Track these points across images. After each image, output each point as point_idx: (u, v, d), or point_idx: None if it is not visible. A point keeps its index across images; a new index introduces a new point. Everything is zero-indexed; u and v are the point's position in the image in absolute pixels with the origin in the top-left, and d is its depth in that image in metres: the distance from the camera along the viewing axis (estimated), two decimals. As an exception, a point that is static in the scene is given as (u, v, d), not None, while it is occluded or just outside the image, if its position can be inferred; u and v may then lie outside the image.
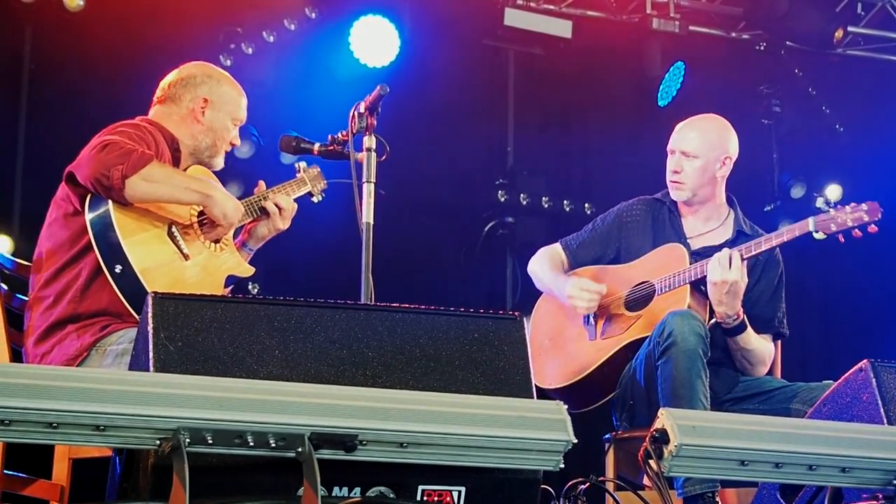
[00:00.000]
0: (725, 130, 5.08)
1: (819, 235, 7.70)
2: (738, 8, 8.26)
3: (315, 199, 4.63)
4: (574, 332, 5.08)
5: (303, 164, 4.63)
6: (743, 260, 4.74)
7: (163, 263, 4.11)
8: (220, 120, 4.43)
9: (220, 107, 4.43)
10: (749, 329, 4.85)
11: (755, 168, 8.19)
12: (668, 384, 4.55)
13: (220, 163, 4.46)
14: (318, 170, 4.65)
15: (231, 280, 4.35)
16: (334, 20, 7.64)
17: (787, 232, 4.81)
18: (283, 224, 4.47)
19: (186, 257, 4.18)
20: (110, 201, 4.03)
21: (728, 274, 4.70)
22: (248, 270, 4.41)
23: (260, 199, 4.44)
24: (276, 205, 4.44)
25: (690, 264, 4.87)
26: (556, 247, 5.26)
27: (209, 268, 4.26)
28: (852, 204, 4.78)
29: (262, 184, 4.52)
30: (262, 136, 7.35)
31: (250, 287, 7.33)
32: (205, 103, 4.40)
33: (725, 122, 5.11)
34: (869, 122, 8.26)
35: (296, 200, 4.54)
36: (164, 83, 4.46)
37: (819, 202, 4.83)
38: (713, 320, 4.80)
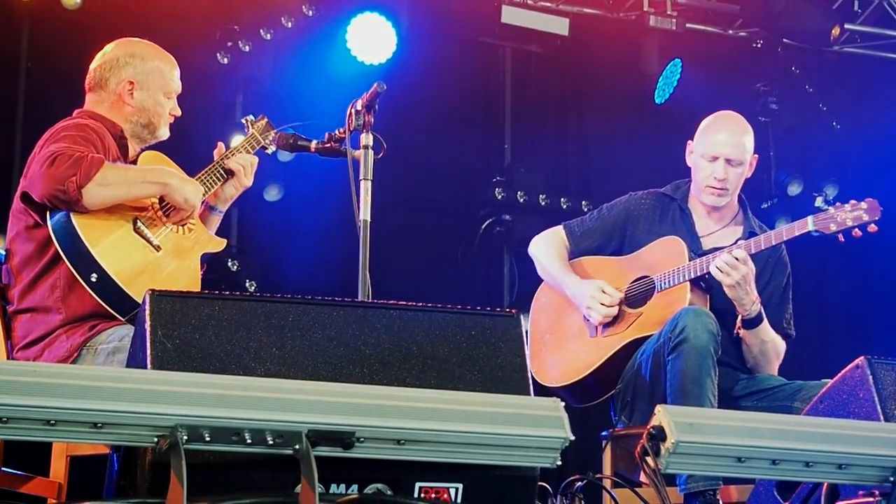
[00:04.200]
0: (750, 129, 5.05)
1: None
2: (735, 5, 8.26)
3: (268, 151, 4.64)
4: (575, 328, 5.06)
5: (250, 118, 4.64)
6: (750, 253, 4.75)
7: (136, 261, 4.08)
8: (151, 97, 4.38)
9: (148, 86, 4.38)
10: (765, 318, 4.84)
11: (752, 165, 8.21)
12: (677, 380, 4.52)
13: (164, 133, 4.44)
14: (266, 120, 4.64)
15: (206, 257, 4.34)
16: (331, 17, 7.65)
17: (787, 230, 4.76)
18: (248, 181, 4.48)
19: (158, 248, 4.16)
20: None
21: (738, 273, 4.70)
22: (219, 244, 4.40)
23: (222, 161, 4.45)
24: (240, 163, 4.45)
25: (690, 259, 4.85)
26: (560, 231, 5.21)
27: (182, 252, 4.24)
28: (852, 202, 4.72)
29: (221, 145, 4.53)
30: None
31: (247, 284, 7.34)
32: (131, 86, 4.36)
33: (746, 121, 5.09)
34: (866, 119, 8.26)
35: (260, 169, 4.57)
36: (91, 68, 4.41)
37: (818, 201, 4.78)
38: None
